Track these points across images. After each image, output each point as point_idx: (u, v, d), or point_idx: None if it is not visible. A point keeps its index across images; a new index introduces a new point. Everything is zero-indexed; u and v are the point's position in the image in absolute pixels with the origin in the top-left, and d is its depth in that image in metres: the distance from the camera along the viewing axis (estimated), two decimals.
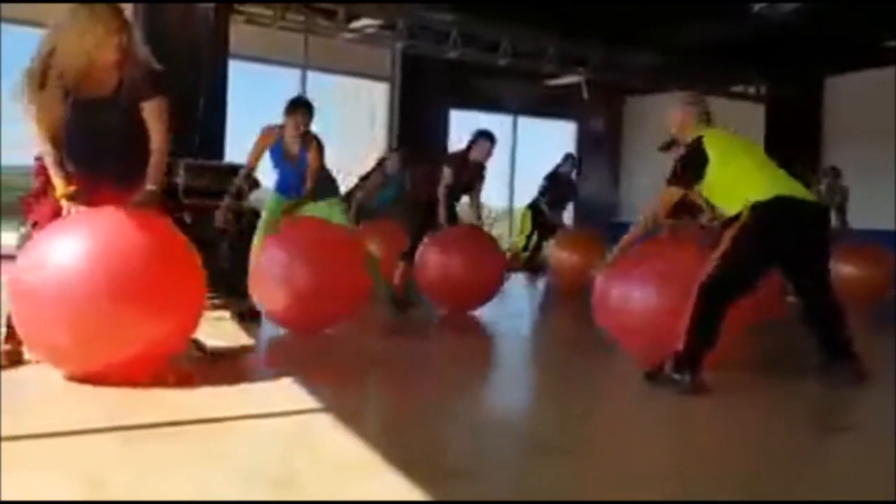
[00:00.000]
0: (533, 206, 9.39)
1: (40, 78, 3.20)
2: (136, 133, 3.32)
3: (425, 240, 6.00)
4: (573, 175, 9.31)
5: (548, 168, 9.88)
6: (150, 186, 3.31)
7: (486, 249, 6.05)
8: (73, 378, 3.10)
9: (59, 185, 3.21)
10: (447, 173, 6.05)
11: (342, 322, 4.74)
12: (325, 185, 5.26)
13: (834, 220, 7.65)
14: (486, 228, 6.53)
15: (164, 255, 3.15)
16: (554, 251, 8.15)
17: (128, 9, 7.73)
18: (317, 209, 5.16)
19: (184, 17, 7.81)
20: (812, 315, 3.85)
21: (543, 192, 9.21)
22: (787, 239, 3.68)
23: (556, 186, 8.97)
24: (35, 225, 3.33)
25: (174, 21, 7.77)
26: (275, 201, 5.19)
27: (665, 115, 4.02)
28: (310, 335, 4.69)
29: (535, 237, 9.58)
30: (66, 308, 2.94)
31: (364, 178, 8.12)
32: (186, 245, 3.29)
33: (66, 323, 2.96)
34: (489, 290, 5.91)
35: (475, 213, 6.38)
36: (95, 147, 3.29)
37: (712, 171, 3.72)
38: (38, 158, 3.42)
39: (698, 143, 3.77)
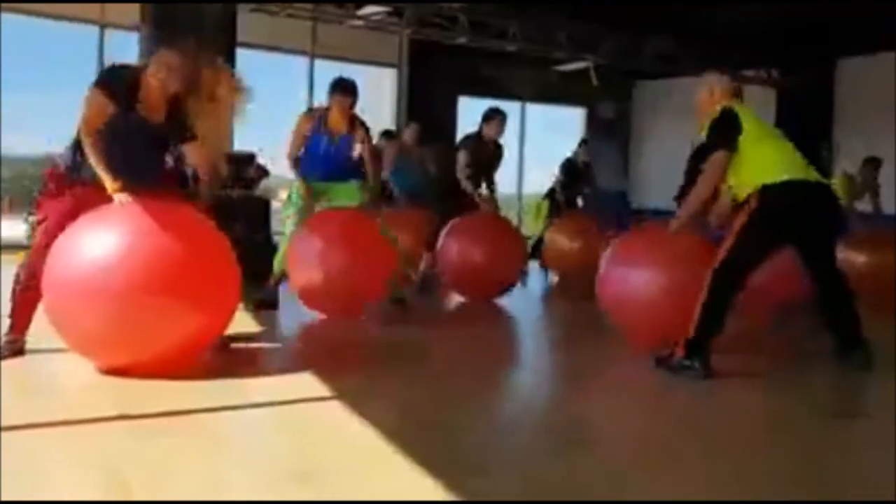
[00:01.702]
0: (550, 195, 9.31)
1: (116, 93, 3.36)
2: (164, 158, 3.63)
3: (446, 227, 6.00)
4: (589, 160, 9.19)
5: (556, 154, 9.80)
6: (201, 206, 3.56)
7: (507, 237, 6.08)
8: (104, 370, 3.12)
9: (108, 181, 3.27)
10: (462, 157, 6.05)
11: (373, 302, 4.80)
12: (354, 166, 5.23)
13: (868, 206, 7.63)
14: (500, 209, 6.47)
15: (200, 249, 3.17)
16: (552, 237, 8.07)
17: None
18: (344, 190, 5.14)
19: (192, 5, 7.79)
20: (824, 301, 3.84)
21: (561, 180, 9.11)
22: (795, 222, 3.68)
23: (573, 174, 8.91)
24: (42, 221, 3.39)
25: (182, 9, 7.75)
26: (303, 187, 5.07)
27: (697, 92, 3.96)
28: (321, 322, 4.69)
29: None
30: (101, 300, 2.95)
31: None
32: (223, 240, 3.33)
33: (99, 315, 2.97)
34: (510, 278, 5.95)
35: (492, 195, 6.37)
36: (134, 160, 3.39)
37: (742, 145, 3.67)
38: (55, 166, 3.49)
39: (731, 111, 3.74)
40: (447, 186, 6.20)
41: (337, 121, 5.02)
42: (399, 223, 6.21)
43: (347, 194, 5.12)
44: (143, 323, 2.97)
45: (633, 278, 4.04)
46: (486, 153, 6.18)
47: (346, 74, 5.35)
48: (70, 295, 3.03)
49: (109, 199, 3.23)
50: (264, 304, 5.00)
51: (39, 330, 3.53)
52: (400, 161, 7.68)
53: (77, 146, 3.39)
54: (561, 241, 7.84)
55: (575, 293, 7.26)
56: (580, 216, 8.32)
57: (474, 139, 6.21)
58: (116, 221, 3.11)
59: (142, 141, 3.45)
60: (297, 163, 5.10)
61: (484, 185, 6.33)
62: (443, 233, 5.99)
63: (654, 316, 3.89)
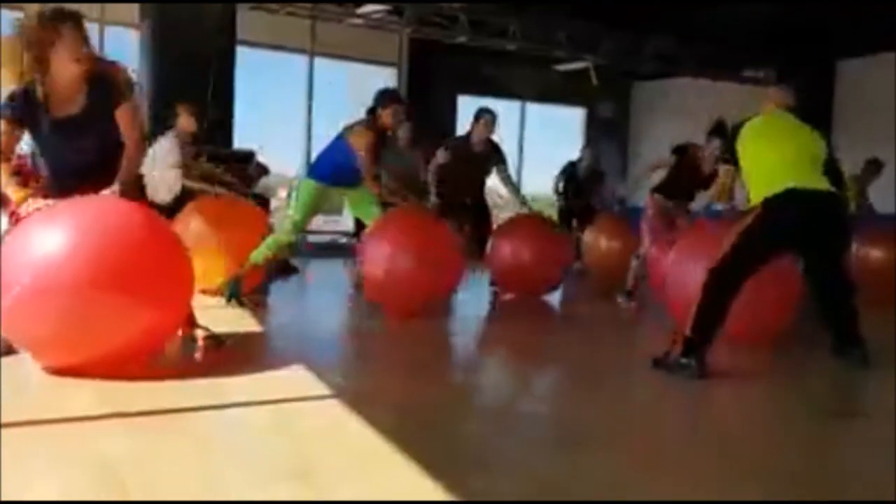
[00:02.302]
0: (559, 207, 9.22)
1: (23, 116, 3.22)
2: (113, 144, 3.34)
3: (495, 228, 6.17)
4: (594, 166, 9.08)
5: (556, 154, 9.76)
6: (115, 187, 3.25)
7: (551, 237, 6.21)
8: (52, 370, 3.05)
9: (15, 189, 3.22)
10: (440, 154, 6.06)
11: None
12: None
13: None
14: (526, 205, 6.48)
15: (146, 242, 3.09)
16: (588, 236, 8.07)
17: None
18: (347, 193, 5.20)
19: (191, 4, 7.81)
20: (821, 299, 3.87)
21: (561, 189, 8.99)
22: (796, 231, 3.73)
23: (573, 179, 8.81)
24: (12, 215, 3.33)
25: (182, 7, 7.76)
26: (316, 188, 5.10)
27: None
28: (319, 320, 4.69)
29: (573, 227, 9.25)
30: (48, 299, 2.88)
31: None
32: (171, 233, 3.27)
33: (47, 314, 2.89)
34: (556, 277, 6.08)
35: (514, 196, 6.37)
36: (74, 165, 3.28)
37: (744, 156, 3.86)
38: (20, 156, 3.46)
39: (738, 126, 3.94)
40: (448, 187, 6.21)
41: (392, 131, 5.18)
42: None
43: (357, 196, 5.18)
44: (90, 321, 2.90)
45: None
46: (472, 156, 6.09)
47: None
48: (17, 294, 2.92)
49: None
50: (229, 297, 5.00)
51: None
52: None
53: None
54: (598, 241, 7.88)
55: (590, 294, 7.29)
56: (613, 218, 8.34)
57: (461, 141, 6.18)
58: (62, 218, 3.04)
59: (71, 143, 3.26)
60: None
61: (510, 189, 6.35)
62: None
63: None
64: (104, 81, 3.32)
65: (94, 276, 2.90)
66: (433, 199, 5.98)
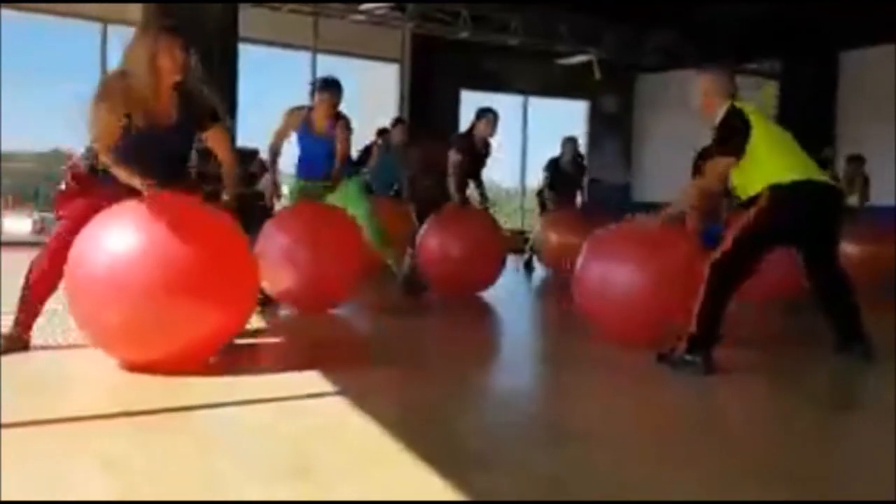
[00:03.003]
0: (539, 195, 9.32)
1: (111, 100, 3.29)
2: (188, 153, 3.59)
3: (426, 223, 6.04)
4: (576, 159, 9.07)
5: (559, 148, 9.75)
6: (226, 198, 3.65)
7: (487, 233, 6.08)
8: (126, 367, 3.13)
9: (139, 183, 3.26)
10: (454, 156, 6.08)
11: (346, 302, 4.86)
12: (346, 164, 5.30)
13: (855, 200, 7.67)
14: (490, 207, 6.52)
15: (219, 247, 3.17)
16: (540, 232, 8.11)
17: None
18: (341, 191, 5.21)
19: (193, 3, 7.80)
20: (822, 295, 3.85)
21: (547, 181, 9.06)
22: (802, 222, 3.70)
23: (557, 174, 8.80)
24: (61, 219, 3.44)
25: (184, 6, 7.76)
26: (299, 185, 5.20)
27: (692, 85, 3.89)
28: (319, 318, 4.72)
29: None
30: (120, 297, 2.96)
31: (365, 151, 8.01)
32: (241, 238, 3.34)
33: (119, 312, 2.97)
34: (491, 274, 5.96)
35: (479, 191, 6.43)
36: (157, 168, 3.34)
37: (751, 145, 3.66)
38: (73, 167, 3.52)
39: (739, 111, 3.71)
40: (426, 187, 6.25)
41: (320, 120, 5.10)
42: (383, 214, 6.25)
43: (349, 195, 5.18)
44: (164, 320, 2.98)
45: (611, 275, 4.00)
46: (476, 152, 6.20)
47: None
48: (92, 292, 3.04)
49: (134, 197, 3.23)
50: (265, 300, 5.02)
51: (42, 326, 3.56)
52: (385, 159, 7.72)
53: (94, 153, 3.39)
54: (551, 237, 7.87)
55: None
56: (570, 212, 8.32)
57: (466, 138, 6.23)
58: (135, 218, 3.10)
59: (158, 152, 3.35)
60: (275, 156, 5.19)
61: (473, 186, 6.39)
62: (422, 230, 6.04)
63: (629, 313, 3.90)
64: (197, 101, 3.46)
65: (166, 277, 2.96)
66: (455, 196, 6.02)
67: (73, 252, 3.13)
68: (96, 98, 3.31)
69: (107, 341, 3.16)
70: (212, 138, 3.58)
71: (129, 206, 3.16)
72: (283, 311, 4.96)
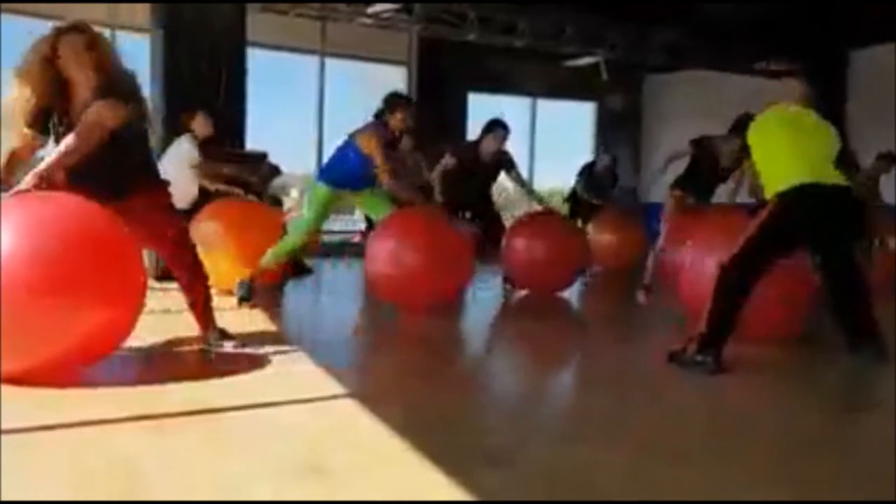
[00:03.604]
0: (572, 198, 9.52)
1: (25, 117, 3.22)
2: (113, 148, 3.29)
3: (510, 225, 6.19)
4: (609, 165, 9.42)
5: (567, 149, 9.89)
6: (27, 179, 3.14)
7: (567, 235, 6.22)
8: (6, 378, 2.91)
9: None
10: (447, 159, 6.09)
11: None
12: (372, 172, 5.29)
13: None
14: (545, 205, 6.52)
15: (86, 241, 2.96)
16: (593, 232, 8.19)
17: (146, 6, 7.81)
18: (358, 196, 5.23)
19: (201, 7, 7.84)
20: (835, 296, 3.83)
21: (580, 181, 9.33)
22: (808, 226, 3.73)
23: (592, 176, 9.17)
24: None
25: (192, 11, 7.79)
26: (328, 192, 5.13)
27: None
28: (329, 319, 4.72)
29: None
30: None
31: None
32: (117, 229, 3.10)
33: None
34: (571, 275, 6.10)
35: (529, 196, 6.44)
36: (93, 172, 3.25)
37: (756, 151, 3.87)
38: None
39: (748, 121, 3.96)
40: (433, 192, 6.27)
41: (397, 135, 5.16)
42: None
43: (367, 200, 5.22)
44: (32, 325, 2.79)
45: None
46: (479, 166, 6.12)
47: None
48: None
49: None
50: (241, 299, 5.02)
51: None
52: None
53: None
54: (602, 237, 8.02)
55: (604, 289, 7.30)
56: (619, 212, 8.52)
57: (469, 150, 6.19)
58: (8, 217, 2.89)
59: (92, 160, 3.21)
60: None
61: (518, 190, 6.40)
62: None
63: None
64: (112, 91, 3.27)
65: (30, 278, 2.78)
66: (438, 198, 6.00)
67: None
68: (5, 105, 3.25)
69: None
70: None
71: (8, 207, 2.95)
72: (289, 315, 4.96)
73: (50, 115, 3.29)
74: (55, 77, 3.25)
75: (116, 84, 3.30)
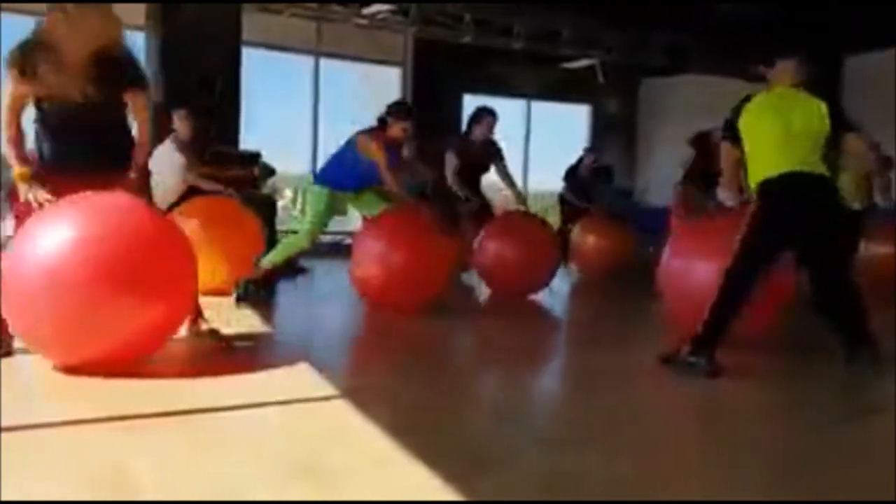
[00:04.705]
0: (561, 200, 9.46)
1: (26, 65, 3.20)
2: (114, 125, 3.38)
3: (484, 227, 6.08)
4: (592, 165, 9.28)
5: (562, 152, 9.84)
6: (133, 175, 3.36)
7: (542, 236, 6.10)
8: (62, 368, 3.08)
9: (16, 165, 3.21)
10: (450, 158, 6.11)
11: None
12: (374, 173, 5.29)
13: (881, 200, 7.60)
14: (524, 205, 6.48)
15: (147, 239, 3.10)
16: (576, 235, 8.15)
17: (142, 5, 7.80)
18: (356, 198, 5.23)
19: (197, 6, 7.83)
20: (827, 302, 3.77)
21: (568, 188, 9.25)
22: (795, 213, 3.67)
23: (576, 179, 9.04)
24: (17, 218, 3.35)
25: (188, 11, 7.79)
26: (327, 194, 5.13)
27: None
28: (325, 320, 4.71)
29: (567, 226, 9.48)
30: (52, 297, 2.90)
31: None
32: (174, 228, 3.29)
33: (52, 312, 2.92)
34: (544, 277, 5.99)
35: (514, 193, 6.38)
36: (78, 140, 3.29)
37: (745, 137, 3.76)
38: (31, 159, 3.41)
39: (741, 102, 3.83)
40: (436, 190, 6.27)
41: (398, 142, 5.17)
42: None
43: (367, 200, 5.22)
44: (94, 318, 2.93)
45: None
46: (474, 154, 6.17)
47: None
48: (23, 293, 2.98)
49: (72, 185, 3.15)
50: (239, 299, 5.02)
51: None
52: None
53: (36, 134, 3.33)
54: (588, 240, 7.95)
55: (594, 292, 7.30)
56: (605, 216, 8.43)
57: (461, 139, 6.24)
58: (65, 216, 3.05)
59: (78, 134, 3.27)
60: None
61: (510, 187, 6.37)
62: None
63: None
64: (116, 63, 3.32)
65: (97, 273, 2.91)
66: (464, 201, 6.06)
67: (8, 254, 3.07)
68: (8, 64, 3.24)
69: (41, 343, 3.09)
70: (132, 102, 3.38)
71: (63, 205, 3.10)
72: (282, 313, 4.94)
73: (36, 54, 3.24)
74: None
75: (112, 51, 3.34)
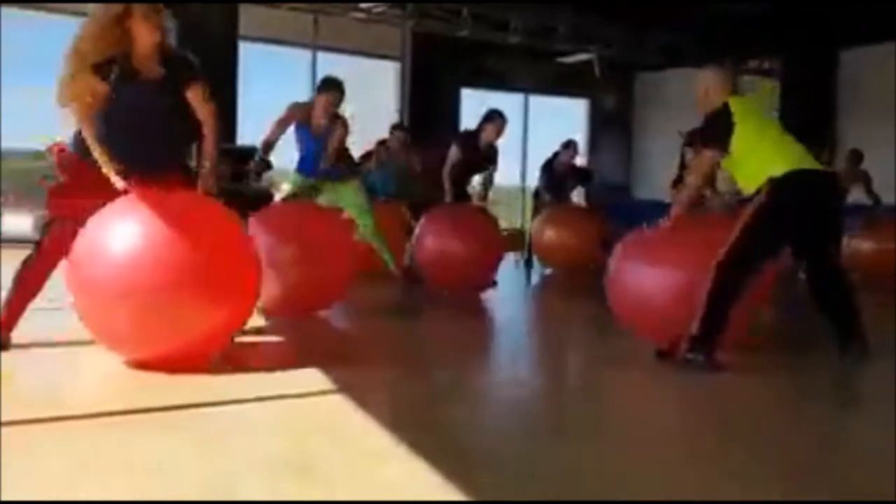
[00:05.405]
0: (535, 195, 9.32)
1: (91, 59, 3.24)
2: (177, 116, 3.43)
3: (422, 219, 6.05)
4: (575, 161, 9.10)
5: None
6: (207, 166, 3.47)
7: (485, 230, 6.05)
8: (133, 364, 3.14)
9: (107, 164, 3.27)
10: (454, 152, 6.09)
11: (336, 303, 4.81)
12: (346, 165, 5.29)
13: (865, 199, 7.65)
14: (489, 207, 6.50)
15: (219, 241, 3.19)
16: (538, 228, 8.02)
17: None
18: (332, 188, 5.23)
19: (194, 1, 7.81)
20: (820, 294, 3.80)
21: (543, 183, 9.08)
22: (803, 213, 3.66)
23: (551, 173, 8.81)
24: (56, 220, 3.34)
25: (185, 4, 7.76)
26: (298, 180, 5.21)
27: (696, 81, 3.91)
28: (320, 318, 4.71)
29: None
30: (124, 296, 2.96)
31: (365, 157, 8.00)
32: (243, 231, 3.37)
33: (125, 311, 2.99)
34: (488, 272, 5.92)
35: (483, 192, 6.41)
36: (141, 130, 3.35)
37: (737, 139, 3.67)
38: (62, 150, 3.44)
39: (725, 107, 3.73)
40: (429, 186, 6.28)
41: (318, 119, 5.07)
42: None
43: (334, 193, 5.20)
44: (170, 317, 3.00)
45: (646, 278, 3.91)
46: (478, 155, 6.16)
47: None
48: (99, 292, 3.05)
49: (140, 175, 3.24)
50: None
51: (37, 327, 3.54)
52: (386, 165, 7.70)
53: (80, 139, 3.35)
54: (550, 234, 7.82)
55: (570, 287, 7.30)
56: (571, 209, 8.30)
57: (471, 138, 6.21)
58: (140, 216, 3.10)
59: (145, 111, 3.34)
60: (268, 147, 5.06)
61: (477, 181, 6.40)
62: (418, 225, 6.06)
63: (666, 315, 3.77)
64: (178, 58, 3.44)
65: (173, 275, 2.99)
66: (449, 198, 6.05)
67: (78, 251, 3.12)
68: (66, 54, 3.26)
69: (115, 339, 3.16)
70: (193, 96, 3.44)
71: (133, 203, 3.15)
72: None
73: (112, 64, 3.31)
74: (123, 33, 3.29)
75: (169, 46, 3.47)
